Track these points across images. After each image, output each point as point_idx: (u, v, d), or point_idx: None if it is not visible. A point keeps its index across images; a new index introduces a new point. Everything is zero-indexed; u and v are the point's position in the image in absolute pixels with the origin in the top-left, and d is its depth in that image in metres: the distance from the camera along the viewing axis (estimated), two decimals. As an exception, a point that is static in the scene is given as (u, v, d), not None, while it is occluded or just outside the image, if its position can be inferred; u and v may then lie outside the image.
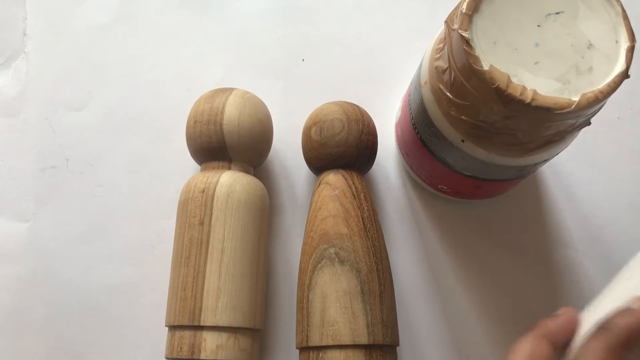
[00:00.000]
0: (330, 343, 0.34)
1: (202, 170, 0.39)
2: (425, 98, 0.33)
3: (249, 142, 0.38)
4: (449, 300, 0.41)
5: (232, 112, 0.38)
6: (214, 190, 0.36)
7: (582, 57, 0.28)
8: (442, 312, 0.40)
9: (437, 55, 0.31)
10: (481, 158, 0.32)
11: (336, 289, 0.34)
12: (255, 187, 0.38)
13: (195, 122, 0.38)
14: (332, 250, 0.35)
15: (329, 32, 0.46)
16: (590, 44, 0.28)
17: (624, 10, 0.28)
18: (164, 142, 0.44)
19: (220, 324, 0.34)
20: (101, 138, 0.45)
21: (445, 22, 0.30)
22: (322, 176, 0.38)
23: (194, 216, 0.36)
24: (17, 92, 0.46)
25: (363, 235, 0.36)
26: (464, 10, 0.28)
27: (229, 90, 0.39)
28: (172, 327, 0.36)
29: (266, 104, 0.41)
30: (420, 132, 0.35)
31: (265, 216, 0.39)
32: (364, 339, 0.33)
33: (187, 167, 0.43)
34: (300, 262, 0.37)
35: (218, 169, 0.38)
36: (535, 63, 0.28)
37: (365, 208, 0.37)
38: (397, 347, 0.37)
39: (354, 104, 0.39)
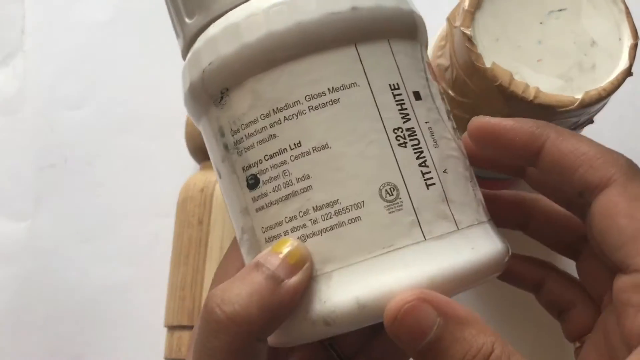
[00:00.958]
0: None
1: (201, 169, 0.39)
2: (427, 96, 0.32)
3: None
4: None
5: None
6: (213, 189, 0.36)
7: (585, 55, 0.28)
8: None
9: (439, 53, 0.31)
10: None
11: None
12: (255, 186, 0.38)
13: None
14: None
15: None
16: (593, 42, 0.28)
17: (627, 8, 0.28)
18: (163, 140, 0.44)
19: (220, 323, 0.34)
20: (100, 136, 0.44)
21: (447, 19, 0.30)
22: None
23: (193, 215, 0.36)
24: (15, 91, 0.46)
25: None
26: (466, 8, 0.28)
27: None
28: (171, 327, 0.36)
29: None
30: (422, 131, 0.35)
31: (265, 215, 0.38)
32: None
33: (186, 166, 0.43)
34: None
35: (217, 167, 0.38)
36: (538, 60, 0.28)
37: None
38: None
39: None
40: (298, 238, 0.20)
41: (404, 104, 0.20)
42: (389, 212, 0.19)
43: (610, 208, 0.19)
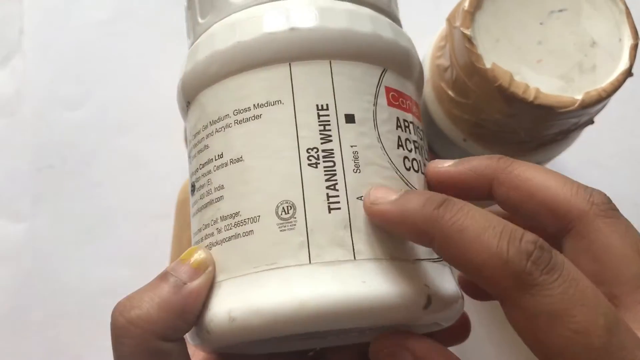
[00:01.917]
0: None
1: (200, 169, 0.39)
2: (427, 97, 0.32)
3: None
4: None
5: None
6: (213, 189, 0.36)
7: (586, 55, 0.28)
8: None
9: (439, 54, 0.31)
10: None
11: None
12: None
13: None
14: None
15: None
16: (594, 42, 0.28)
17: (627, 8, 0.28)
18: (162, 140, 0.44)
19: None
20: (98, 137, 0.44)
21: (447, 19, 0.30)
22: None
23: (193, 216, 0.36)
24: (13, 91, 0.46)
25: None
26: (466, 8, 0.28)
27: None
28: (171, 328, 0.36)
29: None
30: (421, 131, 0.35)
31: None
32: None
33: (185, 166, 0.43)
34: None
35: (217, 168, 0.38)
36: (538, 61, 0.28)
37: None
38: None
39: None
40: (206, 246, 0.21)
41: (328, 124, 0.20)
42: (280, 230, 0.19)
43: (580, 253, 0.19)
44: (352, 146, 0.20)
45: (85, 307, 0.41)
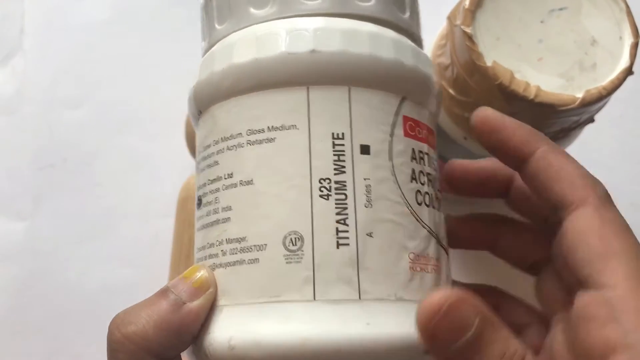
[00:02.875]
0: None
1: (201, 168, 0.39)
2: (427, 95, 0.32)
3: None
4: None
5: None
6: (213, 188, 0.36)
7: (586, 54, 0.28)
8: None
9: (439, 52, 0.31)
10: (484, 156, 0.31)
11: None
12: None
13: (194, 120, 0.38)
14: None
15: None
16: (594, 40, 0.28)
17: (627, 6, 0.28)
18: (162, 140, 0.44)
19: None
20: (99, 136, 0.44)
21: (448, 18, 0.30)
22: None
23: (193, 215, 0.36)
24: (14, 90, 0.46)
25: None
26: (466, 6, 0.28)
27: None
28: (171, 327, 0.36)
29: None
30: (422, 130, 0.35)
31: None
32: None
33: (186, 166, 0.43)
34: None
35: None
36: (539, 59, 0.28)
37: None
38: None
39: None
40: (209, 266, 0.20)
41: (342, 154, 0.19)
42: (287, 262, 0.19)
43: (583, 226, 0.19)
44: (365, 179, 0.19)
45: (86, 307, 0.41)
